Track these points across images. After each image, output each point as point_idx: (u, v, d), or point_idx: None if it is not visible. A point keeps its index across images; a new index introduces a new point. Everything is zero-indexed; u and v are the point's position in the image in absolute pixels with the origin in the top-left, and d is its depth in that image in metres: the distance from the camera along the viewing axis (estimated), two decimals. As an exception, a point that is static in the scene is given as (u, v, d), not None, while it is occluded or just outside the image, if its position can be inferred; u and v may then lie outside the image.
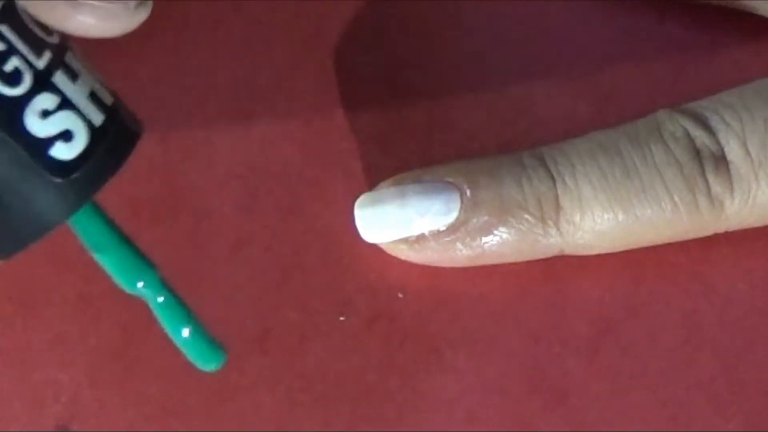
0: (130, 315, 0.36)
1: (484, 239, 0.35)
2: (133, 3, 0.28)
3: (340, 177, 0.37)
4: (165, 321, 0.31)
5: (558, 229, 0.35)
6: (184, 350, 0.32)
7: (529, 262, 0.36)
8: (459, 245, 0.35)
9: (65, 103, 0.29)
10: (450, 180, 0.35)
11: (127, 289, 0.31)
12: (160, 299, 0.31)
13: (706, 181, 0.34)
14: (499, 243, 0.35)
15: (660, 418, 0.34)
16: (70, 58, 0.29)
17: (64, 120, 0.29)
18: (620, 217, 0.34)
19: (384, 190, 0.35)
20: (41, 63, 0.29)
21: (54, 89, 0.29)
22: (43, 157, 0.29)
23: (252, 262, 0.36)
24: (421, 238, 0.35)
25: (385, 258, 0.36)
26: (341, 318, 0.36)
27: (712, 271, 0.36)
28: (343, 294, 0.36)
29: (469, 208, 0.35)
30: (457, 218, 0.35)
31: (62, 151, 0.29)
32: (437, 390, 0.35)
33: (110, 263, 0.31)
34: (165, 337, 0.35)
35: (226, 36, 0.39)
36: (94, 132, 0.29)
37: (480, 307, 0.36)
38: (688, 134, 0.35)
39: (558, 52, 0.39)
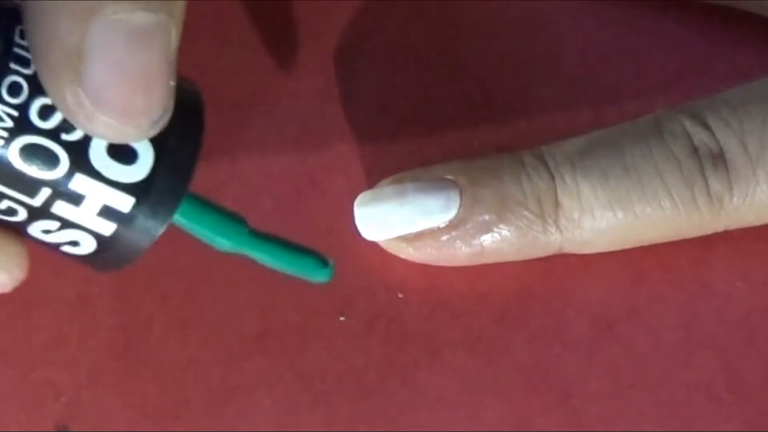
0: (130, 315, 0.36)
1: (483, 237, 0.35)
2: (146, 124, 0.28)
3: (340, 177, 0.37)
4: (270, 265, 0.32)
5: (557, 226, 0.35)
6: (294, 276, 0.32)
7: (529, 262, 0.36)
8: (458, 243, 0.35)
9: (67, 225, 0.29)
10: (449, 178, 0.35)
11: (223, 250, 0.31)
12: (257, 253, 0.32)
13: (705, 179, 0.34)
14: (498, 241, 0.35)
15: (660, 418, 0.34)
16: (78, 183, 0.29)
17: (70, 235, 0.29)
18: (619, 215, 0.34)
19: (384, 188, 0.36)
20: (36, 202, 0.29)
21: (53, 217, 0.29)
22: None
23: (252, 262, 0.36)
24: (420, 236, 0.35)
25: (385, 258, 0.36)
26: (341, 318, 0.36)
27: (712, 271, 0.36)
28: (343, 294, 0.36)
29: (468, 205, 0.35)
30: (457, 216, 0.35)
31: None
32: (437, 390, 0.35)
33: (201, 233, 0.31)
34: (165, 337, 0.36)
35: (226, 36, 0.39)
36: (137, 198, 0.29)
37: (480, 307, 0.36)
38: (687, 132, 0.35)
39: (558, 52, 0.39)
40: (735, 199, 0.34)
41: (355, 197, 0.36)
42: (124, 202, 0.29)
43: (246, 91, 0.38)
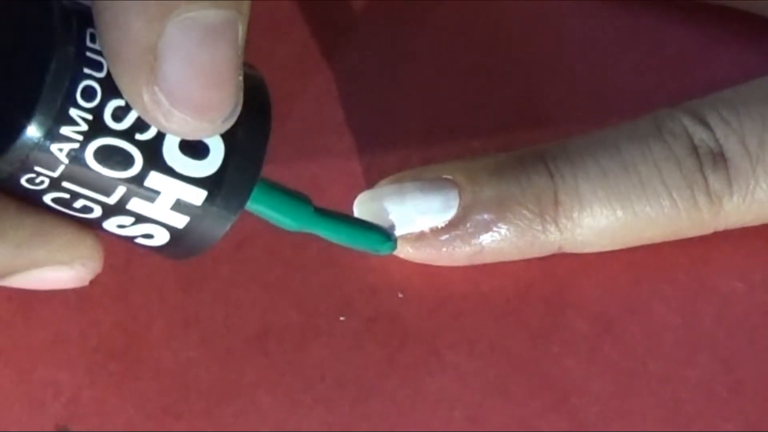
0: (130, 315, 0.36)
1: (483, 236, 0.35)
2: (220, 118, 0.28)
3: (340, 177, 0.37)
4: (336, 241, 0.34)
5: (557, 225, 0.35)
6: (361, 249, 0.35)
7: (528, 262, 0.36)
8: (458, 242, 0.35)
9: (141, 220, 0.30)
10: (449, 177, 0.35)
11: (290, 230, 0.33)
12: (323, 231, 0.33)
13: (705, 177, 0.34)
14: (498, 240, 0.35)
15: (660, 418, 0.34)
16: (152, 181, 0.29)
17: (144, 229, 0.30)
18: (619, 213, 0.34)
19: (383, 187, 0.36)
20: (112, 200, 0.29)
21: (128, 213, 0.30)
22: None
23: (252, 262, 0.36)
24: (420, 236, 0.35)
25: (385, 258, 0.36)
26: (341, 318, 0.36)
27: (712, 271, 0.36)
28: (343, 294, 0.36)
29: (468, 205, 0.35)
30: (456, 215, 0.35)
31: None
32: (437, 390, 0.35)
33: (270, 216, 0.32)
34: (165, 337, 0.36)
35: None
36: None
37: (480, 307, 0.36)
38: (686, 131, 0.35)
39: (558, 52, 0.39)
40: (735, 198, 0.34)
41: (354, 197, 0.36)
42: (197, 196, 0.30)
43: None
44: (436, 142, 0.38)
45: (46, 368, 0.35)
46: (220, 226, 0.30)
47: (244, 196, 0.30)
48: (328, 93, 0.38)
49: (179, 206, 0.30)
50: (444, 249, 0.35)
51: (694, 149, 0.34)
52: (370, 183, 0.36)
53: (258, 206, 0.32)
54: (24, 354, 0.35)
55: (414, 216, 0.35)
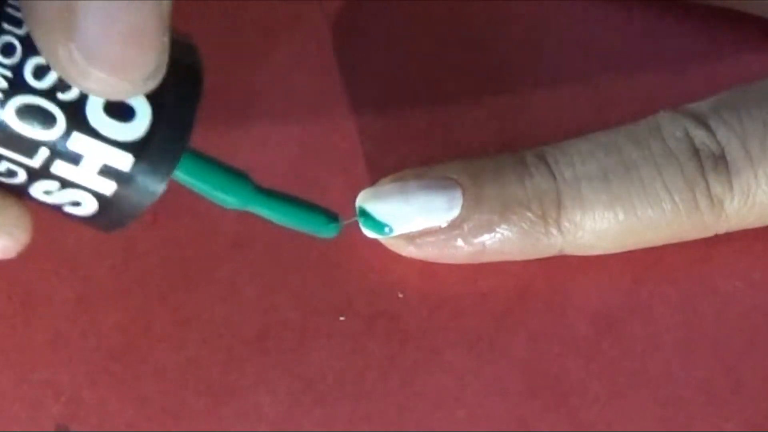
0: (130, 315, 0.36)
1: (485, 236, 0.35)
2: (140, 78, 0.28)
3: (340, 177, 0.37)
4: (277, 221, 0.32)
5: (559, 228, 0.35)
6: (303, 231, 0.33)
7: (529, 262, 0.36)
8: (460, 242, 0.35)
9: (67, 185, 0.29)
10: (452, 177, 0.35)
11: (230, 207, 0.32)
12: (263, 209, 0.32)
13: (706, 180, 0.34)
14: (500, 240, 0.35)
15: (660, 418, 0.34)
16: (76, 142, 0.29)
17: (71, 195, 0.29)
18: (620, 216, 0.34)
19: (386, 185, 0.36)
20: (35, 163, 0.29)
21: (53, 177, 0.29)
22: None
23: (252, 262, 0.36)
24: (422, 234, 0.35)
25: (385, 258, 0.36)
26: (341, 318, 0.36)
27: (712, 271, 0.36)
28: (343, 294, 0.36)
29: (471, 205, 0.35)
30: (459, 215, 0.35)
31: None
32: (437, 390, 0.35)
33: (206, 190, 0.31)
34: (165, 337, 0.36)
35: (226, 36, 0.39)
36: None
37: (480, 307, 0.36)
38: (688, 134, 0.35)
39: (558, 52, 0.39)
40: (736, 201, 0.34)
41: (355, 197, 0.36)
42: (123, 161, 0.29)
43: (246, 91, 0.38)
44: (436, 141, 0.38)
45: (46, 368, 0.35)
46: (149, 194, 0.29)
47: (172, 163, 0.29)
48: (328, 93, 0.38)
49: (106, 171, 0.29)
50: (446, 248, 0.35)
51: (696, 152, 0.34)
52: (370, 183, 0.36)
53: (191, 178, 0.30)
54: (24, 354, 0.35)
55: (417, 215, 0.35)
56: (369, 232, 0.35)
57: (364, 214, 0.35)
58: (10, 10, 0.28)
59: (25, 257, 0.36)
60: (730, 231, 0.35)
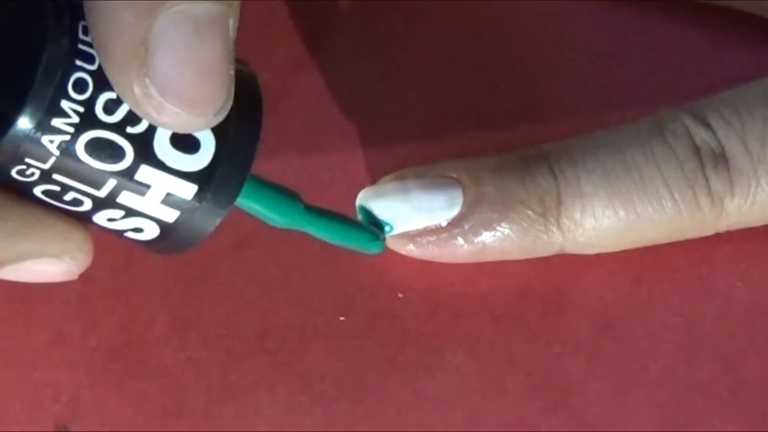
0: (130, 315, 0.36)
1: (485, 235, 0.35)
2: (211, 112, 0.28)
3: (340, 177, 0.37)
4: (324, 239, 0.34)
5: (559, 226, 0.35)
6: (348, 248, 0.35)
7: (529, 262, 0.36)
8: (460, 240, 0.35)
9: (131, 213, 0.30)
10: (453, 175, 0.35)
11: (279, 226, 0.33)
12: (312, 228, 0.33)
13: (706, 178, 0.34)
14: (500, 239, 0.35)
15: (660, 418, 0.34)
16: (143, 174, 0.29)
17: (134, 222, 0.30)
18: (621, 214, 0.34)
19: (386, 184, 0.36)
20: (102, 193, 0.29)
21: (118, 206, 0.30)
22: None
23: (252, 262, 0.36)
24: (422, 233, 0.35)
25: (385, 258, 0.36)
26: (341, 318, 0.36)
27: (712, 271, 0.36)
28: (343, 294, 0.36)
29: (471, 203, 0.35)
30: (459, 213, 0.35)
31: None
32: (437, 390, 0.35)
33: (259, 212, 0.32)
34: (165, 337, 0.36)
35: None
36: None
37: (480, 307, 0.36)
38: (688, 132, 0.35)
39: (558, 52, 0.39)
40: (736, 199, 0.34)
41: (355, 197, 0.36)
42: (188, 190, 0.30)
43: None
44: (436, 141, 0.38)
45: (46, 368, 0.35)
46: (210, 221, 0.30)
47: (235, 192, 0.30)
48: (328, 93, 0.38)
49: (169, 200, 0.30)
50: (446, 247, 0.35)
51: (696, 150, 0.34)
52: (370, 182, 0.36)
53: (248, 202, 0.32)
54: (24, 354, 0.35)
55: (417, 213, 0.35)
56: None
57: (364, 213, 0.35)
58: (82, 47, 0.28)
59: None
60: (731, 229, 0.35)
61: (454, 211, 0.35)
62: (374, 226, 0.35)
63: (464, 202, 0.35)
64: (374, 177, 0.37)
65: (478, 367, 0.35)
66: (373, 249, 0.35)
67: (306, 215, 0.33)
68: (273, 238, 0.37)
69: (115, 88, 0.28)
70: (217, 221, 0.30)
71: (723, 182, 0.34)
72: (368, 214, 0.35)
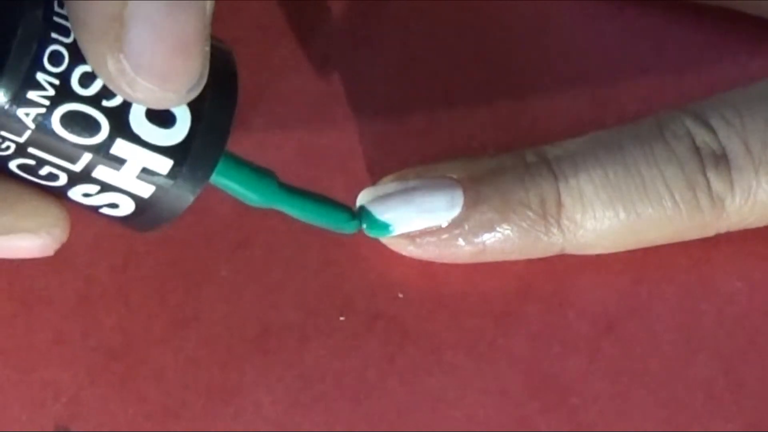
0: (130, 315, 0.36)
1: (486, 236, 0.35)
2: (185, 88, 0.28)
3: (340, 177, 0.37)
4: (299, 218, 0.34)
5: (559, 227, 0.35)
6: (325, 228, 0.34)
7: (529, 262, 0.36)
8: (461, 241, 0.35)
9: (106, 188, 0.30)
10: (453, 176, 0.35)
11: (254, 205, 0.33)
12: (287, 207, 0.33)
13: (707, 179, 0.34)
14: (501, 240, 0.35)
15: (660, 418, 0.34)
16: (118, 148, 0.29)
17: (109, 198, 0.30)
18: (621, 215, 0.34)
19: (387, 184, 0.36)
20: (77, 167, 0.29)
21: (94, 181, 0.30)
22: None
23: (252, 262, 0.36)
24: (423, 234, 0.35)
25: (385, 258, 0.36)
26: (341, 318, 0.36)
27: (712, 271, 0.36)
28: (343, 294, 0.36)
29: (471, 204, 0.35)
30: (460, 214, 0.35)
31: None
32: (437, 390, 0.35)
33: (234, 190, 0.32)
34: (165, 337, 0.36)
35: (226, 36, 0.39)
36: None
37: (480, 307, 0.36)
38: (689, 133, 0.35)
39: (558, 52, 0.39)
40: (737, 200, 0.34)
41: (355, 197, 0.36)
42: (163, 165, 0.30)
43: (246, 91, 0.38)
44: (436, 141, 0.38)
45: (46, 368, 0.35)
46: (185, 197, 0.30)
47: (210, 167, 0.30)
48: (327, 93, 0.38)
49: (145, 175, 0.30)
50: (446, 248, 0.35)
51: (697, 151, 0.34)
52: (370, 183, 0.36)
53: (223, 179, 0.32)
54: (24, 354, 0.35)
55: (417, 214, 0.35)
56: (369, 232, 0.35)
57: (365, 213, 0.35)
58: (57, 19, 0.28)
59: (25, 257, 0.36)
60: (731, 230, 0.35)
61: (455, 212, 0.35)
62: (374, 227, 0.35)
63: (465, 203, 0.35)
64: (374, 177, 0.37)
65: (478, 367, 0.35)
66: (348, 229, 0.34)
67: (281, 193, 0.33)
68: (273, 238, 0.37)
69: (89, 62, 0.28)
70: (192, 197, 0.30)
71: (724, 183, 0.34)
72: (369, 215, 0.35)
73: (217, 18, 0.39)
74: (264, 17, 0.39)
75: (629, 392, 0.35)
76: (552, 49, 0.39)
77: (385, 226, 0.35)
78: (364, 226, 0.35)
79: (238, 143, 0.37)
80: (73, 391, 0.35)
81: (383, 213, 0.35)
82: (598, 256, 0.35)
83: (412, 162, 0.36)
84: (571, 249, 0.35)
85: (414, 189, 0.35)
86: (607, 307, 0.36)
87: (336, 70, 0.39)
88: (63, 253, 0.36)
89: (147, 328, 0.36)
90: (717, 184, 0.34)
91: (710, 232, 0.35)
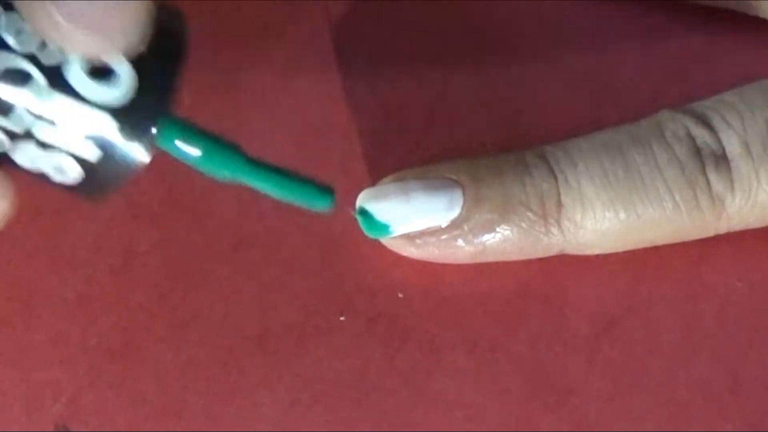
0: (130, 315, 0.36)
1: (486, 236, 0.35)
2: (121, 39, 0.28)
3: (340, 177, 0.37)
4: (269, 193, 0.31)
5: (559, 227, 0.35)
6: (297, 204, 0.32)
7: (529, 262, 0.36)
8: (461, 242, 0.35)
9: (49, 149, 0.29)
10: (453, 177, 0.35)
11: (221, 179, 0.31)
12: (255, 181, 0.31)
13: (707, 179, 0.34)
14: (501, 240, 0.35)
15: (660, 418, 0.35)
16: (57, 104, 0.29)
17: (54, 160, 0.29)
18: (621, 215, 0.34)
19: (387, 185, 0.36)
20: (17, 127, 0.29)
21: (35, 142, 0.29)
22: None
23: (252, 262, 0.36)
24: (423, 234, 0.35)
25: (385, 258, 0.36)
26: (341, 318, 0.36)
27: (712, 271, 0.36)
28: (343, 294, 0.36)
29: (471, 204, 0.35)
30: (460, 215, 0.35)
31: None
32: (437, 390, 0.35)
33: (196, 161, 0.31)
34: (165, 337, 0.36)
35: (226, 36, 0.39)
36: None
37: (480, 307, 0.36)
38: (689, 133, 0.35)
39: (559, 52, 0.39)
40: (737, 200, 0.34)
41: (355, 197, 0.36)
42: (107, 126, 0.29)
43: (246, 90, 0.38)
44: (436, 141, 0.38)
45: (46, 368, 0.35)
46: (133, 162, 0.29)
47: (154, 126, 0.29)
48: (327, 93, 0.38)
49: (87, 135, 0.29)
50: (446, 248, 0.35)
51: (697, 151, 0.34)
52: (370, 183, 0.36)
53: (182, 148, 0.30)
54: (24, 354, 0.35)
55: (417, 215, 0.35)
56: (369, 233, 0.35)
57: (364, 214, 0.35)
58: None
59: (25, 257, 0.36)
60: (731, 230, 0.35)
61: (455, 213, 0.35)
62: (374, 228, 0.35)
63: (464, 204, 0.35)
64: (374, 177, 0.37)
65: (478, 367, 0.35)
66: (321, 205, 0.32)
67: (249, 166, 0.31)
68: (273, 238, 0.37)
69: (22, 14, 0.28)
70: (140, 161, 0.29)
71: (724, 183, 0.34)
72: (368, 216, 0.35)
73: (217, 18, 0.40)
74: (264, 17, 0.39)
75: (629, 392, 0.35)
76: (552, 49, 0.39)
77: (384, 227, 0.35)
78: (364, 226, 0.35)
79: (237, 142, 0.37)
80: (73, 391, 0.35)
81: (383, 214, 0.35)
82: (598, 256, 0.35)
83: (412, 162, 0.36)
84: (571, 249, 0.35)
85: (413, 189, 0.35)
86: (607, 307, 0.36)
87: (336, 69, 0.39)
88: (63, 253, 0.36)
89: (147, 328, 0.36)
90: (717, 184, 0.34)
91: (710, 232, 0.35)
